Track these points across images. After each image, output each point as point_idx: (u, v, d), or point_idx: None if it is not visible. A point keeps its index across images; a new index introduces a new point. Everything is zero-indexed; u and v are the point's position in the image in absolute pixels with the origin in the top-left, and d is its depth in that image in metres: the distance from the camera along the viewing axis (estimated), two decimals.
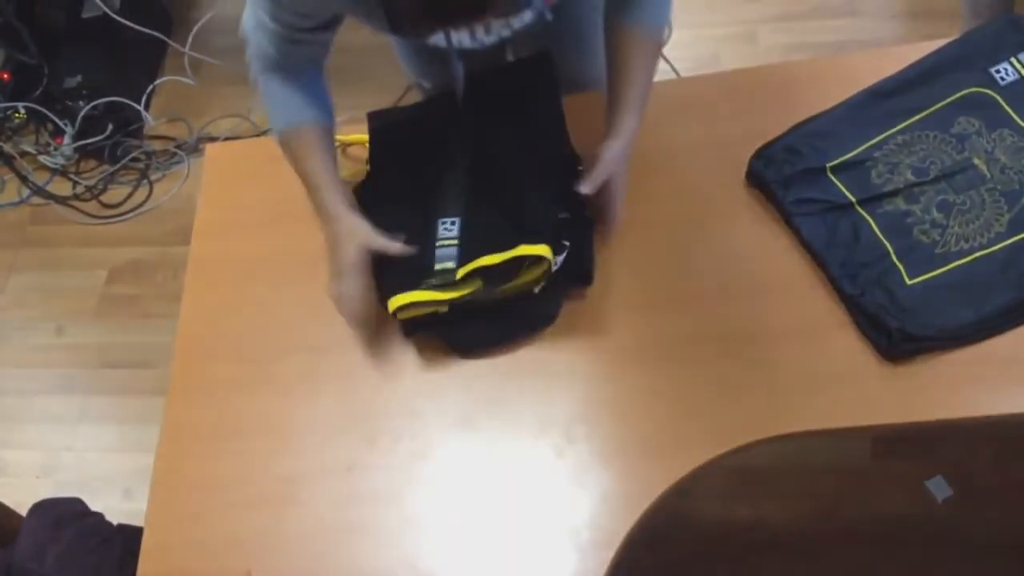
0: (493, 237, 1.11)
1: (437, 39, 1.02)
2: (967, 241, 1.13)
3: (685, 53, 2.40)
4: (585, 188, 1.10)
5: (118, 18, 2.52)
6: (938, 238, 1.13)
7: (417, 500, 1.09)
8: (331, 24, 1.10)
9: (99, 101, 2.50)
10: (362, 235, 1.11)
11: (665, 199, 1.24)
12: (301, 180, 1.17)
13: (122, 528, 1.51)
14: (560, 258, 1.11)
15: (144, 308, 2.32)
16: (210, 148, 1.47)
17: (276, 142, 1.17)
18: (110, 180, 2.57)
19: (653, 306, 1.17)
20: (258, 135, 2.52)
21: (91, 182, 2.56)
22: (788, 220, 1.18)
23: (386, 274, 1.14)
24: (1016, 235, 1.12)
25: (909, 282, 1.11)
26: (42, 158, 2.60)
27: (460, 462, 1.11)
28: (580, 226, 1.17)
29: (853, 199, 1.17)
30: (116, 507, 1.76)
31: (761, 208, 1.22)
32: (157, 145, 2.60)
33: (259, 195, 1.37)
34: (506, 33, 1.08)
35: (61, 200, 2.54)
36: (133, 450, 2.10)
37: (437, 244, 1.14)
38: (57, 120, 2.54)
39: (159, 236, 2.44)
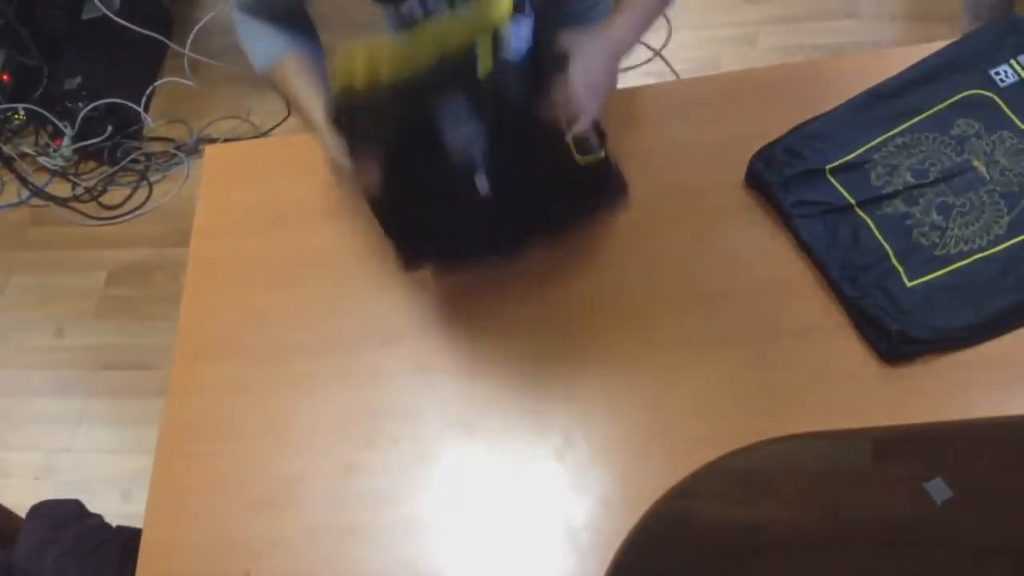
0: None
1: (412, 6, 1.01)
2: (967, 243, 1.13)
3: (685, 55, 2.41)
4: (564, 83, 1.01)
5: (118, 19, 2.53)
6: (938, 240, 1.13)
7: (416, 501, 1.09)
8: None
9: (99, 102, 2.50)
10: None
11: (665, 200, 1.24)
12: (293, 106, 1.15)
13: (121, 530, 1.51)
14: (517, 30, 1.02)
15: (144, 309, 2.32)
16: (210, 149, 1.47)
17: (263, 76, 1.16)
18: (110, 181, 2.57)
19: (652, 308, 1.17)
20: (258, 136, 2.52)
21: (91, 183, 2.57)
22: (788, 222, 1.18)
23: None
24: (1016, 237, 1.12)
25: (909, 284, 1.11)
26: (42, 159, 2.60)
27: (460, 463, 1.11)
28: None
29: (852, 201, 1.17)
30: (115, 509, 1.76)
31: (761, 210, 1.22)
32: (157, 146, 2.60)
33: (259, 196, 1.37)
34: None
35: (61, 201, 2.55)
36: (132, 452, 2.10)
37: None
38: (57, 121, 2.54)
39: (159, 237, 2.44)
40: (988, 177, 1.16)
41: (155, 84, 2.70)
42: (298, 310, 1.25)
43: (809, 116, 1.24)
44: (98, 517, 1.52)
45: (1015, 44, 1.24)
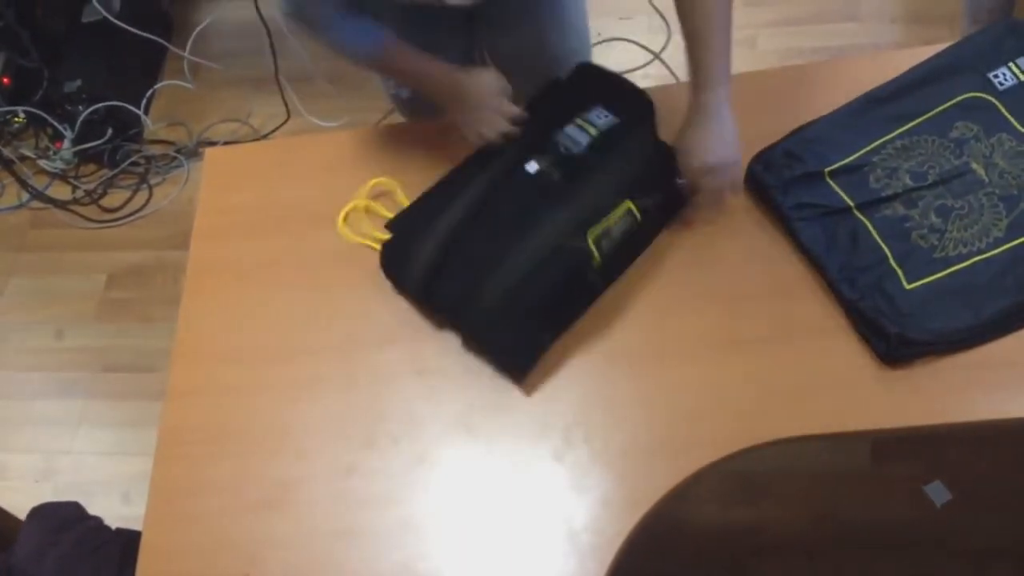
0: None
1: None
2: (965, 246, 1.13)
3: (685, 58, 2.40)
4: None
5: (118, 22, 2.53)
6: (936, 243, 1.13)
7: (416, 503, 1.09)
8: None
9: (99, 105, 2.50)
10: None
11: None
12: (406, 82, 1.36)
13: (121, 532, 1.51)
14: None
15: (143, 312, 2.32)
16: (209, 152, 1.48)
17: (364, 67, 1.27)
18: (110, 184, 2.57)
19: (652, 310, 1.17)
20: (258, 139, 2.52)
21: (91, 186, 2.56)
22: (787, 224, 1.18)
23: None
24: (1014, 240, 1.12)
25: (908, 286, 1.11)
26: (42, 162, 2.60)
27: (459, 465, 1.11)
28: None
29: (852, 203, 1.17)
30: (115, 511, 1.76)
31: (760, 212, 1.22)
32: (157, 149, 2.60)
33: (258, 199, 1.37)
34: None
35: (61, 204, 2.54)
36: (132, 454, 2.10)
37: None
38: (57, 124, 2.54)
39: (158, 240, 2.44)
40: (987, 180, 1.16)
41: (155, 87, 2.70)
42: (297, 312, 1.25)
43: (808, 119, 1.25)
44: (98, 519, 1.52)
45: (1014, 47, 1.24)
